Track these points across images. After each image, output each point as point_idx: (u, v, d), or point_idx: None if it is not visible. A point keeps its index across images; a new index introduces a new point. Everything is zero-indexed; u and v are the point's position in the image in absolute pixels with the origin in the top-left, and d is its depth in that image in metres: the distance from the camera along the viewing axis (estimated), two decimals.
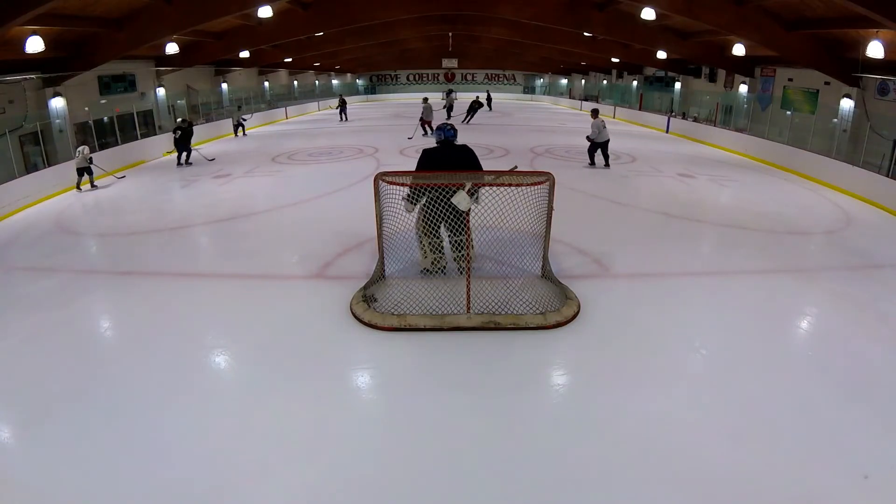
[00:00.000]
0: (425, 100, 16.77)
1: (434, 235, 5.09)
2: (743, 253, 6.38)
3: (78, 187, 10.04)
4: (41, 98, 11.37)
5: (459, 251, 5.11)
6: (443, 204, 4.56)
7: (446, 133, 5.30)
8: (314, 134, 18.22)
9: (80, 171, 10.00)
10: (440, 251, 5.24)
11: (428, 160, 5.09)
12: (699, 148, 15.27)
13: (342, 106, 22.84)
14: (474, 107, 20.39)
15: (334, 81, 35.31)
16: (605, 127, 10.93)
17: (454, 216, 4.69)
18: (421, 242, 5.22)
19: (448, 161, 5.09)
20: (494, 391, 3.64)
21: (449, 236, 5.15)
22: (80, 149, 10.02)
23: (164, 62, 15.40)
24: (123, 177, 11.14)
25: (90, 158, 10.07)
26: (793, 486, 2.80)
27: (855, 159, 10.40)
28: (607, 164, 11.18)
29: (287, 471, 2.92)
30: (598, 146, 11.05)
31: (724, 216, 8.09)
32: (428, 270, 5.28)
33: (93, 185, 10.21)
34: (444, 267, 5.31)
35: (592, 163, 11.30)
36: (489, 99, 26.96)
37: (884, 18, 7.96)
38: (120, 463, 2.97)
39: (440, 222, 4.86)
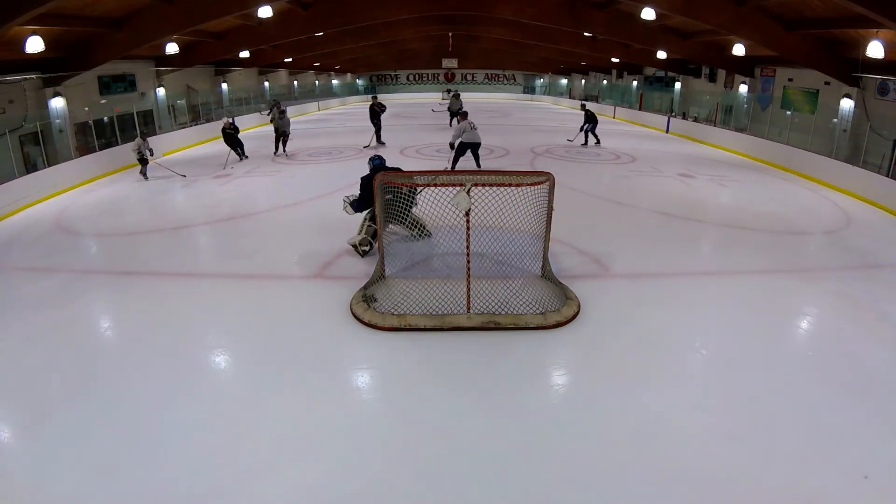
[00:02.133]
0: (274, 109, 13.55)
1: (374, 223, 5.71)
2: (743, 253, 6.37)
3: (143, 174, 10.89)
4: (41, 98, 11.35)
5: (413, 230, 6.06)
6: (398, 204, 5.35)
7: (374, 162, 6.48)
8: (314, 134, 18.21)
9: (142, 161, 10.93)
10: (374, 236, 5.97)
11: (366, 182, 6.03)
12: (699, 148, 15.26)
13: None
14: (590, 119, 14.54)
15: (334, 81, 35.30)
16: (474, 128, 9.96)
17: (404, 211, 5.52)
18: (364, 225, 6.08)
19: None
20: (494, 391, 3.64)
21: (400, 222, 5.86)
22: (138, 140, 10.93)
23: (164, 62, 15.39)
24: (184, 175, 11.10)
25: (138, 150, 10.79)
26: (793, 486, 2.81)
27: (855, 159, 10.40)
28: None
29: (287, 470, 2.92)
30: (466, 147, 10.00)
31: (724, 216, 8.09)
32: (355, 247, 6.05)
33: (144, 175, 10.87)
34: (368, 252, 6.05)
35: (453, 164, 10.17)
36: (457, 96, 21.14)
37: (884, 18, 7.95)
38: (120, 462, 2.97)
39: (392, 219, 5.64)
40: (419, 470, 2.95)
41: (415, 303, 4.59)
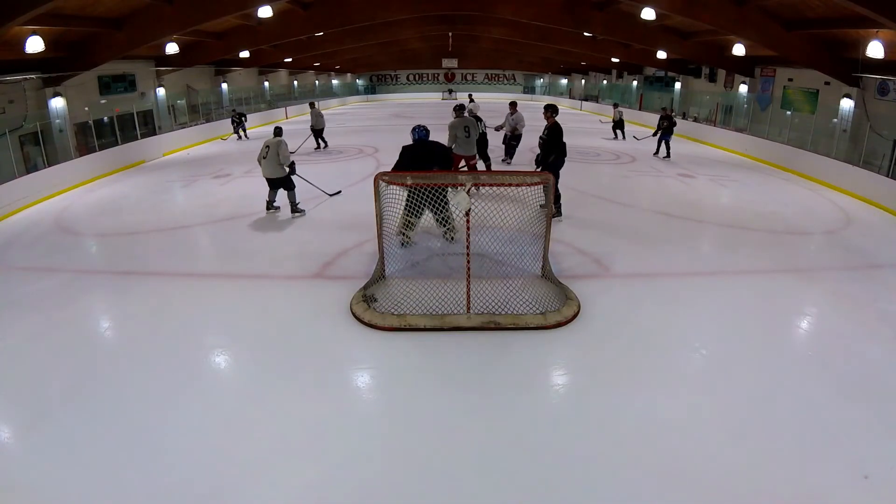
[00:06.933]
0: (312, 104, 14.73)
1: (415, 216, 5.82)
2: (743, 253, 6.37)
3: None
4: (41, 98, 11.36)
5: (444, 226, 6.06)
6: (427, 193, 5.21)
7: (419, 133, 6.27)
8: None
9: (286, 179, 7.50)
10: (413, 228, 6.07)
11: (410, 154, 6.02)
12: (699, 148, 15.26)
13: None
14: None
15: (334, 81, 35.30)
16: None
17: (437, 201, 5.48)
18: (404, 218, 5.88)
19: (426, 154, 6.05)
20: (494, 391, 3.64)
21: (433, 215, 5.91)
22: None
23: (164, 62, 15.39)
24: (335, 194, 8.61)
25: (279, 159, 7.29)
26: (792, 485, 2.80)
27: (855, 159, 10.40)
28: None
29: (287, 471, 2.92)
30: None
31: (724, 216, 8.09)
32: (402, 238, 6.02)
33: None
34: (408, 243, 6.11)
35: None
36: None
37: (884, 18, 7.95)
38: (120, 463, 2.97)
39: (425, 207, 5.56)
40: (419, 470, 2.95)
41: (415, 303, 4.59)
